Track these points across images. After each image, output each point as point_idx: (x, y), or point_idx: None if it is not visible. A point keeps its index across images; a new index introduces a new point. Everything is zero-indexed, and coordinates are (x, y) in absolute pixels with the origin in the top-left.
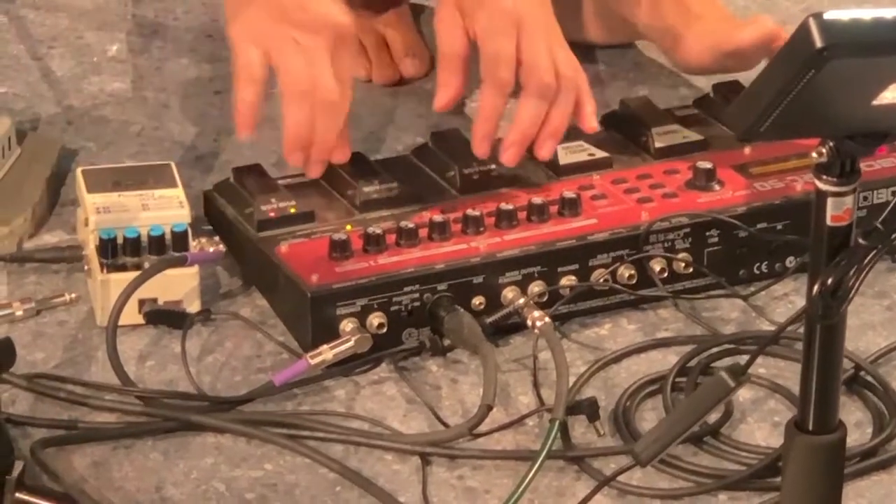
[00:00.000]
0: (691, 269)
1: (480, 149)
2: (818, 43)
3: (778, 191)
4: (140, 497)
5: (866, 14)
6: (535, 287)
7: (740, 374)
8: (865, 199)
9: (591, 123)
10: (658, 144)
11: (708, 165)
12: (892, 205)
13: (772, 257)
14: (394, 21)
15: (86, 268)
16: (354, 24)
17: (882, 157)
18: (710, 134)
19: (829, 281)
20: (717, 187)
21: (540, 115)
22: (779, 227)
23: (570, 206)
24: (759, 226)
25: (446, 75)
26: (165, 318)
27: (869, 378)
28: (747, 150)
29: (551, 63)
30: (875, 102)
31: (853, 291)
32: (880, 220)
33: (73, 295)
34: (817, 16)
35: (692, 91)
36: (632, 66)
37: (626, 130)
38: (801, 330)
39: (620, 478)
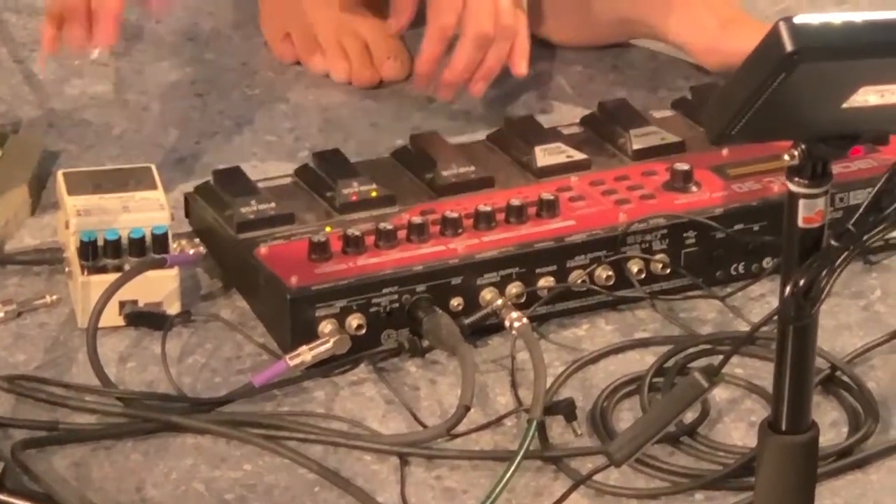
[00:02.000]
0: (669, 270)
1: (419, 85)
2: (788, 46)
3: (755, 192)
4: (120, 498)
5: (837, 18)
6: (513, 288)
7: (714, 375)
8: (841, 200)
9: (520, 69)
10: (636, 146)
11: (685, 167)
12: (863, 206)
13: (748, 258)
14: (375, 24)
15: (66, 270)
16: (337, 26)
17: (858, 159)
18: (687, 136)
19: (801, 282)
20: (694, 189)
21: (475, 60)
22: (755, 228)
23: (548, 208)
24: (735, 227)
25: (401, 3)
26: (146, 319)
27: (845, 378)
28: (724, 151)
29: (493, 11)
30: (845, 105)
31: (825, 293)
32: (852, 221)
33: (54, 297)
34: (787, 19)
35: (670, 93)
36: (610, 69)
37: (603, 132)
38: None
39: (598, 477)
